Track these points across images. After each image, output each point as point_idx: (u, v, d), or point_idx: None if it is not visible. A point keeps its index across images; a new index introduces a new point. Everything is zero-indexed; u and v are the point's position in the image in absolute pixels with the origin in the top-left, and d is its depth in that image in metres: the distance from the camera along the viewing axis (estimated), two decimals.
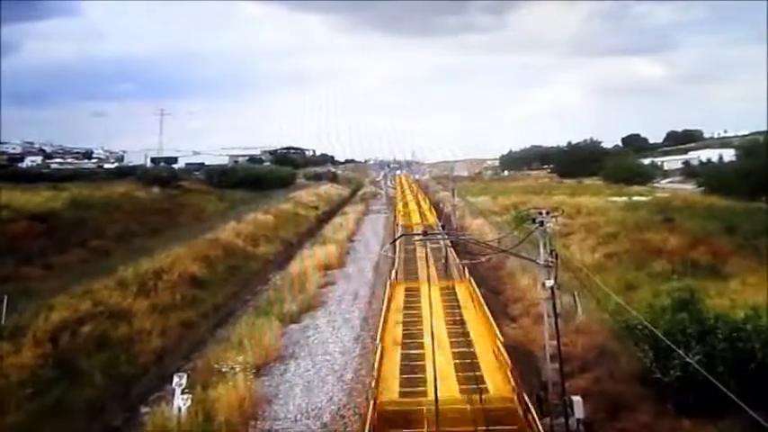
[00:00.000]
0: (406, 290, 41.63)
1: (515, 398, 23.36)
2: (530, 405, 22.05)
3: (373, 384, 24.32)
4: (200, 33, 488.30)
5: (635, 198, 78.05)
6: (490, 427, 21.30)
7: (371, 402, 22.67)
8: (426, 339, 28.62)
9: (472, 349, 29.26)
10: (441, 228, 62.73)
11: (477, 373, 25.85)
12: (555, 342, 22.18)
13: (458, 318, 33.78)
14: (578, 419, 20.94)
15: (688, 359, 20.08)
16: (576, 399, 21.05)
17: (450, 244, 47.61)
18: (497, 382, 25.53)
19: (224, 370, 28.28)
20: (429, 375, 24.88)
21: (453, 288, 40.66)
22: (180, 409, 23.76)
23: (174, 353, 34.25)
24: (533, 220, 23.31)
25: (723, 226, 47.26)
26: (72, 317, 32.72)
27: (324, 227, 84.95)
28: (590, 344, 28.00)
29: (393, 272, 45.74)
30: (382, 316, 34.30)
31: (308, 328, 37.81)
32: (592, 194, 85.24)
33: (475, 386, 23.96)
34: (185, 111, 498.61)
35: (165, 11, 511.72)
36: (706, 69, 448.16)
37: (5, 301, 31.20)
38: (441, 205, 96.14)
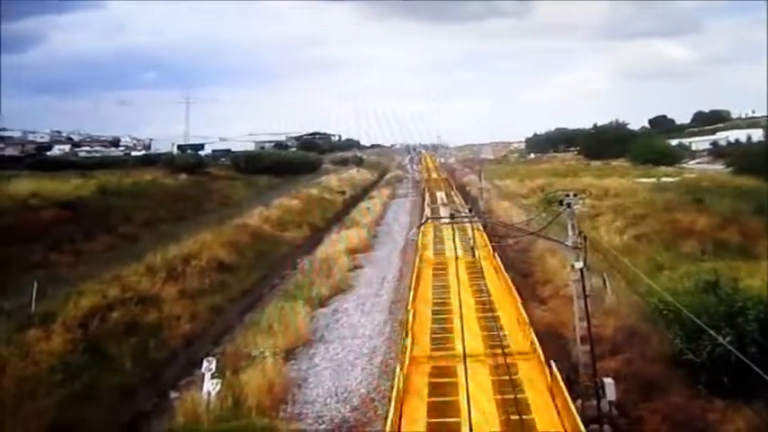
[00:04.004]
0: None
1: None
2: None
3: None
4: (227, 22, 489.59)
5: (663, 179, 77.29)
6: None
7: None
8: None
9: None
10: (468, 211, 62.46)
11: None
12: (585, 324, 22.05)
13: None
14: (610, 401, 20.83)
15: (720, 339, 19.93)
16: (608, 381, 20.95)
17: (477, 227, 47.39)
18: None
19: (253, 354, 28.41)
20: None
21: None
22: (209, 394, 23.95)
23: (204, 338, 34.41)
24: (561, 203, 23.15)
25: (753, 206, 46.71)
26: (101, 303, 32.92)
27: (351, 211, 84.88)
28: (620, 325, 27.81)
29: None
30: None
31: (336, 312, 37.75)
32: (619, 176, 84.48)
33: None
34: (211, 99, 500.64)
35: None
36: (733, 50, 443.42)
37: (35, 287, 31.41)
38: (467, 188, 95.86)
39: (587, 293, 22.28)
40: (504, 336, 26.48)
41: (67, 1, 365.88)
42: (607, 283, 31.74)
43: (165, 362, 30.67)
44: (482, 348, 25.45)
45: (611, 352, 25.68)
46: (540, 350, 23.22)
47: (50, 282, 33.86)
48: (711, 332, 20.11)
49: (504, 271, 37.07)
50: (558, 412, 19.38)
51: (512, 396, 20.44)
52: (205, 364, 24.94)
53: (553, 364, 20.87)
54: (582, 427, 17.35)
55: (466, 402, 18.81)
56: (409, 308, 30.08)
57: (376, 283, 44.34)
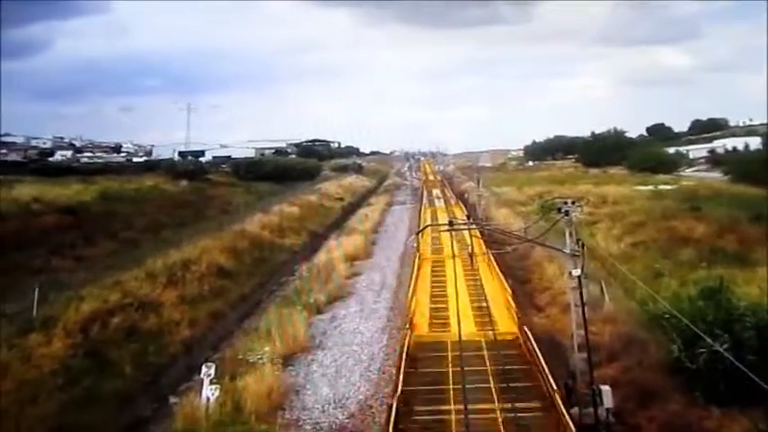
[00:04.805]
0: None
1: None
2: None
3: None
4: (227, 29, 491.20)
5: (661, 187, 77.65)
6: None
7: None
8: None
9: None
10: (466, 218, 62.68)
11: None
12: (582, 331, 22.13)
13: None
14: (607, 409, 20.91)
15: (716, 347, 20.03)
16: (605, 388, 21.01)
17: (475, 234, 47.59)
18: None
19: (252, 360, 28.45)
20: None
21: None
22: (209, 399, 24.01)
23: (203, 343, 34.53)
24: (559, 210, 23.24)
25: (750, 214, 46.82)
26: (102, 308, 32.96)
27: (349, 218, 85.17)
28: (618, 333, 27.86)
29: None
30: None
31: (334, 319, 37.74)
32: (617, 184, 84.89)
33: None
34: (212, 105, 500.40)
35: (191, 7, 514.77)
36: (731, 58, 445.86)
37: (37, 292, 31.48)
38: (465, 196, 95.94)
39: (585, 301, 22.37)
40: None
41: (72, 1, 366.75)
42: (605, 290, 31.83)
43: (165, 367, 30.81)
44: None
45: (609, 359, 25.70)
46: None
47: (52, 286, 33.86)
48: (708, 339, 20.22)
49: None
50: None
51: None
52: (204, 369, 24.99)
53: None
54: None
55: None
56: None
57: (374, 290, 44.35)
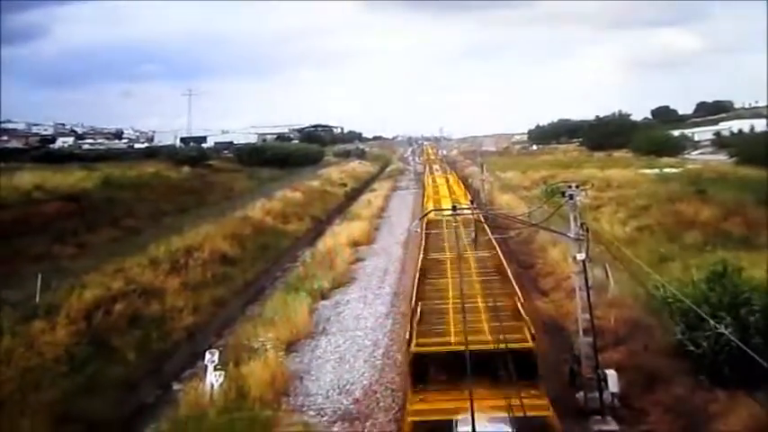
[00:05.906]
0: None
1: None
2: None
3: None
4: (228, 13, 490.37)
5: (666, 170, 77.48)
6: None
7: None
8: None
9: None
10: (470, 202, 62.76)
11: None
12: (587, 315, 22.01)
13: None
14: (612, 393, 20.83)
15: (721, 329, 19.91)
16: (611, 372, 20.97)
17: (478, 218, 47.76)
18: None
19: (255, 346, 28.35)
20: None
21: None
22: (213, 386, 23.94)
23: (206, 330, 34.46)
24: (563, 194, 23.08)
25: (756, 197, 46.61)
26: (105, 295, 32.95)
27: (352, 204, 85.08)
28: (623, 317, 27.81)
29: None
30: None
31: (338, 305, 37.63)
32: (622, 167, 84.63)
33: None
34: (214, 90, 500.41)
35: None
36: (737, 40, 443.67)
37: (40, 279, 31.42)
38: (469, 180, 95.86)
39: (589, 285, 22.23)
40: None
41: None
42: (609, 274, 31.67)
43: (168, 354, 30.81)
44: None
45: (614, 344, 25.71)
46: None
47: (54, 274, 33.91)
48: (712, 322, 20.12)
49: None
50: None
51: None
52: (208, 356, 24.92)
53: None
54: None
55: None
56: None
57: (377, 275, 44.24)
